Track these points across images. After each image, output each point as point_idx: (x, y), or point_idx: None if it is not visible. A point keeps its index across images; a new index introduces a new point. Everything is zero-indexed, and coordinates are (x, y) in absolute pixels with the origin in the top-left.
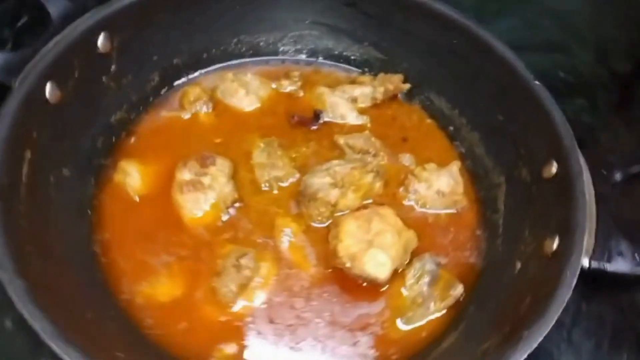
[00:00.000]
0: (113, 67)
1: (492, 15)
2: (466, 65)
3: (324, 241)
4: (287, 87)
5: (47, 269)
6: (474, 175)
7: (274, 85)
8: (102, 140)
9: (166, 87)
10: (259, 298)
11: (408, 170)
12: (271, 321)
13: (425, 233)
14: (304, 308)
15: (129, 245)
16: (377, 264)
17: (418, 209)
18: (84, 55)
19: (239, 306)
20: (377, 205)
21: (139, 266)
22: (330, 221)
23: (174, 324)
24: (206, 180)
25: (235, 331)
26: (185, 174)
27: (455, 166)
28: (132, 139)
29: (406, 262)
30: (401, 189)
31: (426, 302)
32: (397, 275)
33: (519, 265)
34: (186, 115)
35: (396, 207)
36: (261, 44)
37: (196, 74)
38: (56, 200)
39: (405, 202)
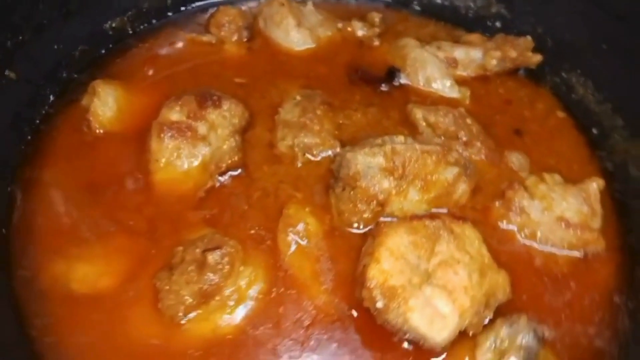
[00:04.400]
0: None
1: None
2: None
3: (354, 256)
4: (360, 30)
5: None
6: (624, 209)
7: (340, 25)
8: (83, 49)
9: (194, 2)
10: (225, 323)
11: (515, 177)
12: None
13: (526, 281)
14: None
15: (62, 195)
16: (432, 316)
17: (521, 239)
18: None
19: (188, 327)
20: (451, 218)
21: (64, 229)
22: (370, 227)
23: (78, 332)
24: (201, 127)
25: None
26: (173, 113)
27: (595, 185)
28: (125, 57)
29: (485, 323)
30: (499, 203)
31: None
32: (464, 339)
33: None
34: (208, 40)
35: (485, 230)
36: None
37: None
38: None
39: (503, 225)
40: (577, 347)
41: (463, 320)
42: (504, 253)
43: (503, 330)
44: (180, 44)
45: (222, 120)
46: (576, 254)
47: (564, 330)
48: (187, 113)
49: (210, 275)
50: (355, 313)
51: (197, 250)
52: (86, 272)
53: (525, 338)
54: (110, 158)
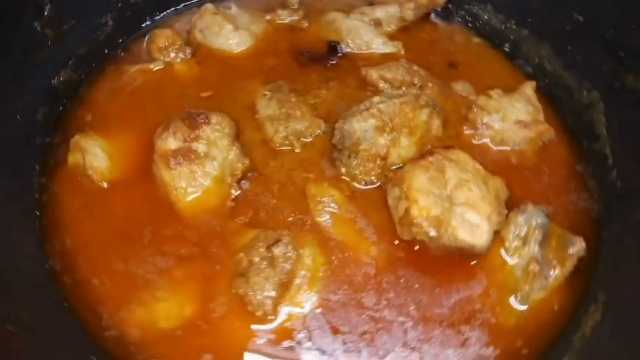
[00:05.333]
0: (47, 8)
1: None
2: None
3: (380, 207)
4: (287, 17)
5: None
6: (554, 99)
7: (268, 18)
8: (44, 112)
9: (125, 35)
10: (310, 300)
11: (468, 101)
12: (335, 331)
13: (512, 178)
14: (378, 305)
15: (101, 253)
16: (471, 228)
17: (495, 148)
18: None
19: (283, 315)
20: (443, 149)
21: (123, 281)
22: (382, 180)
23: (191, 358)
24: (201, 146)
25: (284, 353)
26: (169, 142)
27: (529, 87)
28: (86, 106)
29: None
30: (465, 127)
31: (545, 269)
32: (493, 237)
33: None
34: (157, 67)
35: (466, 150)
36: None
37: (163, 14)
38: None
39: (476, 142)
40: (570, 213)
41: (492, 223)
42: (488, 163)
43: (519, 219)
44: (131, 78)
45: (218, 134)
46: (538, 144)
47: (556, 205)
48: (183, 138)
49: (283, 265)
50: (402, 250)
51: (261, 250)
52: (167, 309)
53: (537, 219)
54: (127, 204)
